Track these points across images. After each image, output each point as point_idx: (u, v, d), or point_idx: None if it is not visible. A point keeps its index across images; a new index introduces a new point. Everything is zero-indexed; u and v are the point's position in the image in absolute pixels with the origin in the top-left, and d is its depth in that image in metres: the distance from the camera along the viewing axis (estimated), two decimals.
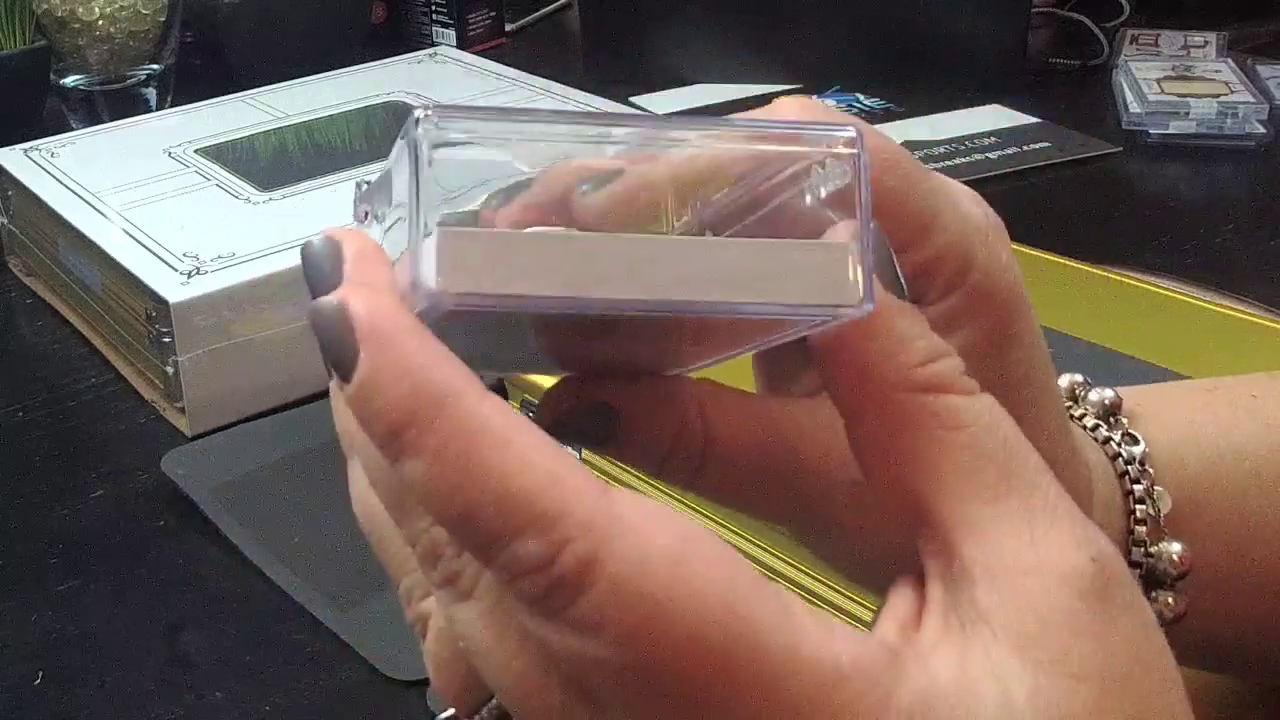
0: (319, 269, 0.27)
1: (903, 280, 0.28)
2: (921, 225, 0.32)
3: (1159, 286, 0.73)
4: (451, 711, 0.29)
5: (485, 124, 0.26)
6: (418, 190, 0.25)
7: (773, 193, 0.28)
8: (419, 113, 0.25)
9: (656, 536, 0.24)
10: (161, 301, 0.78)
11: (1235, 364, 0.62)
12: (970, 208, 0.33)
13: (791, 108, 0.31)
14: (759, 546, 0.58)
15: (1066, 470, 0.35)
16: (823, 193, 0.27)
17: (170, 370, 0.79)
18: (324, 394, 0.87)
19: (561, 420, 0.32)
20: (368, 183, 0.31)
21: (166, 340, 0.79)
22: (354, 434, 0.30)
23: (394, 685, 0.61)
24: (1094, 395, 0.39)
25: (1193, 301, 0.71)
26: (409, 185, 0.25)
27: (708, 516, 0.60)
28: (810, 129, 0.28)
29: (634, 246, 0.26)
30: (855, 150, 0.27)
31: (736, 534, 0.59)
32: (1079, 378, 0.39)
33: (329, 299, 0.25)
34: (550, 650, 0.25)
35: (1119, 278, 0.74)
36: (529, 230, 0.26)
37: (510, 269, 0.25)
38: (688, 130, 0.28)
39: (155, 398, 0.82)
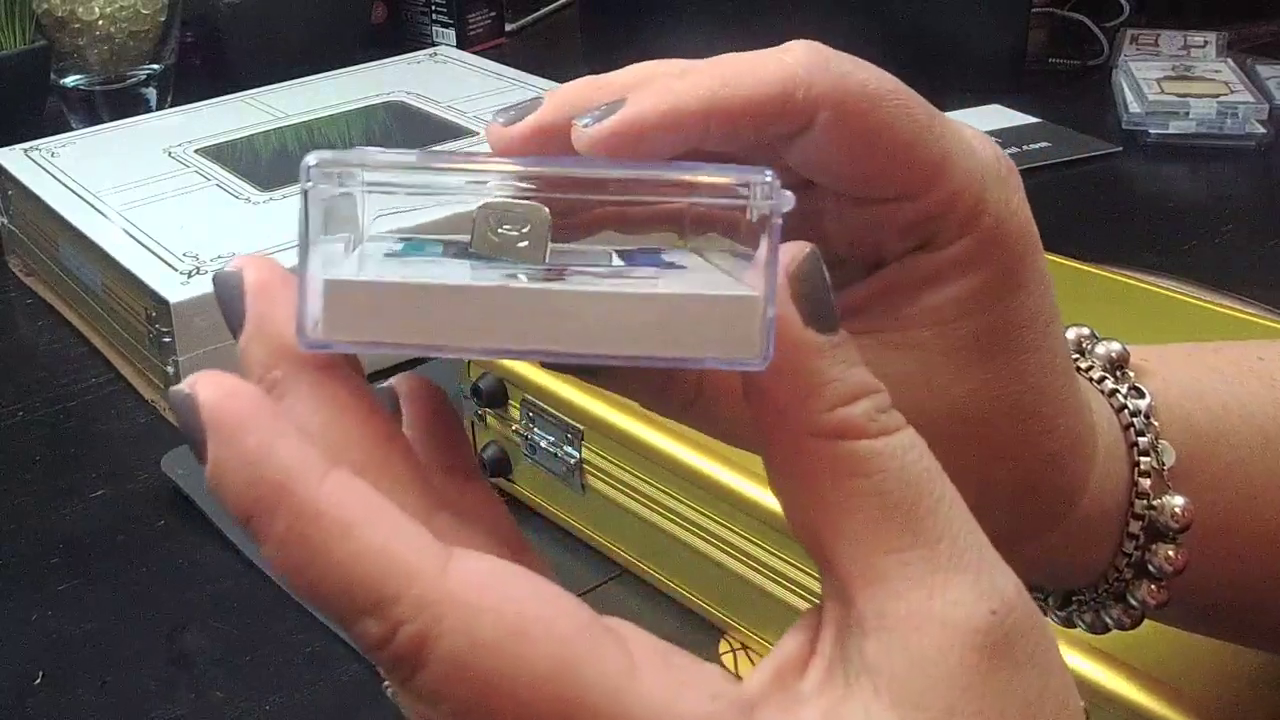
0: (225, 301, 0.29)
1: (835, 312, 0.27)
2: (933, 169, 0.31)
3: (1159, 286, 0.74)
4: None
5: (374, 173, 0.27)
6: (306, 233, 0.27)
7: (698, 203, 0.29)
8: (310, 160, 0.27)
9: (488, 609, 0.24)
10: (162, 301, 0.78)
11: None
12: (982, 151, 0.33)
13: (799, 50, 0.31)
14: (760, 546, 0.58)
15: (1072, 418, 0.35)
16: (755, 215, 0.27)
17: (170, 370, 0.79)
18: None
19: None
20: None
21: (166, 340, 0.79)
22: None
23: None
24: (1101, 349, 0.39)
25: (1193, 301, 0.71)
26: (298, 229, 0.27)
27: (708, 516, 0.60)
28: (736, 170, 0.27)
29: (515, 298, 0.26)
30: (770, 200, 0.27)
31: (738, 533, 0.59)
32: (1086, 330, 0.39)
33: (179, 388, 0.26)
34: (412, 714, 0.26)
35: (1119, 278, 0.74)
36: (402, 279, 0.26)
37: (385, 318, 0.26)
38: (611, 169, 0.28)
39: (155, 398, 0.82)
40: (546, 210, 0.28)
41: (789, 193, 0.27)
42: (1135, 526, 0.37)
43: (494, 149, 0.31)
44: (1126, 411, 0.37)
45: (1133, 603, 0.37)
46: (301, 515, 0.25)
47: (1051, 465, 0.35)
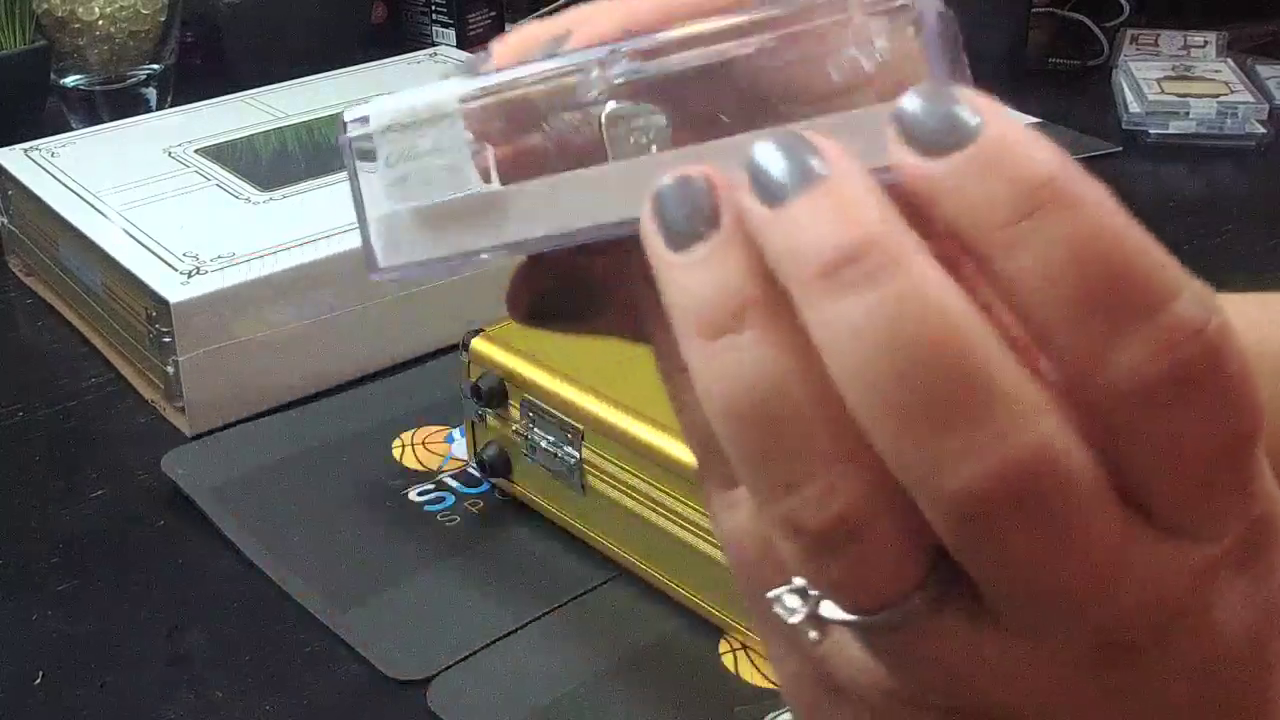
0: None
1: None
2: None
3: None
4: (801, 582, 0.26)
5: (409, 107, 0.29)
6: (360, 191, 0.30)
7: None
8: (346, 115, 0.29)
9: None
10: (162, 301, 0.78)
11: None
12: None
13: None
14: None
15: None
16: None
17: (170, 370, 0.79)
18: (323, 394, 0.87)
19: (541, 300, 0.32)
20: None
21: (166, 340, 0.79)
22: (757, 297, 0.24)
23: (394, 685, 0.61)
24: None
25: None
26: (351, 185, 0.30)
27: (708, 516, 0.60)
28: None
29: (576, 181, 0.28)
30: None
31: None
32: None
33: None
34: (1171, 428, 0.23)
35: None
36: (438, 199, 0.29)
37: (435, 235, 0.29)
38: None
39: (155, 398, 0.82)
40: (662, 116, 0.28)
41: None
42: None
43: None
44: None
45: None
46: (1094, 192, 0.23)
47: None
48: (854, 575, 0.24)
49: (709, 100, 0.28)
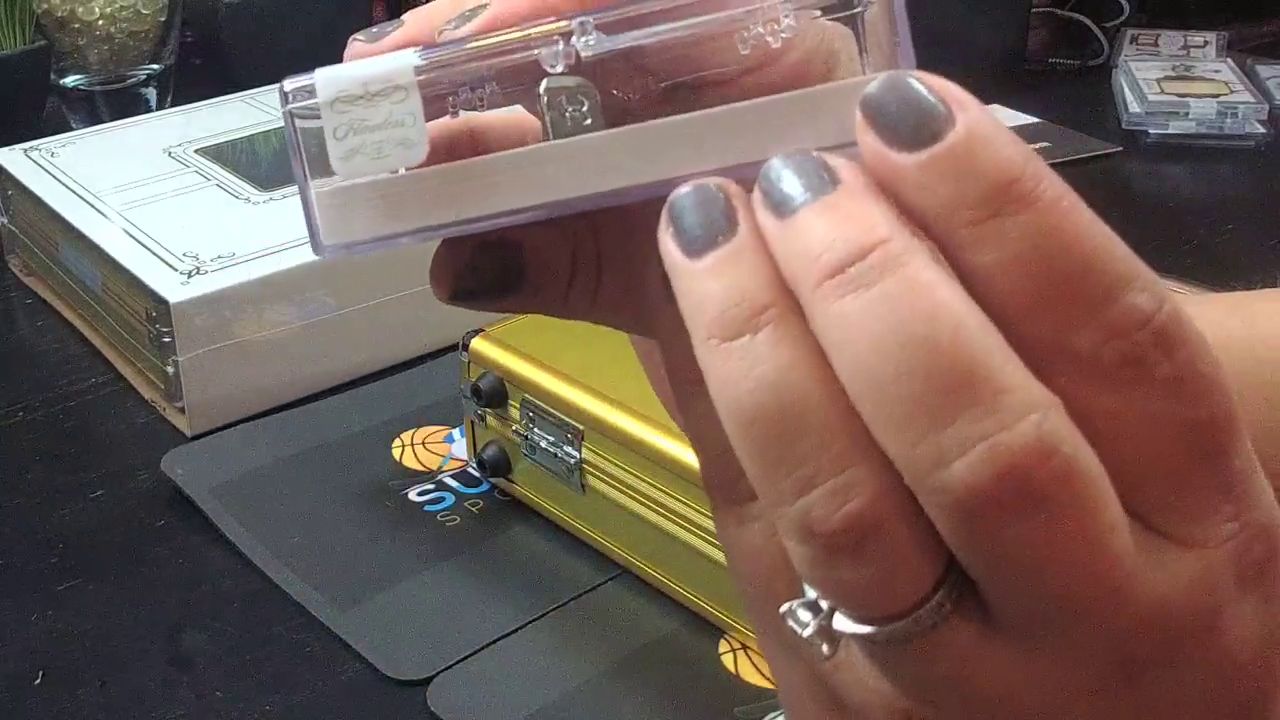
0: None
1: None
2: None
3: None
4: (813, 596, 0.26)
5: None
6: (304, 165, 0.29)
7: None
8: (287, 85, 0.28)
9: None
10: (161, 301, 0.78)
11: None
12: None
13: None
14: None
15: None
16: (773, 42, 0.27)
17: (170, 370, 0.79)
18: (323, 394, 0.87)
19: (465, 274, 0.32)
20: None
21: (166, 340, 0.79)
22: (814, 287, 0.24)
23: (394, 685, 0.61)
24: None
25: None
26: (292, 158, 0.29)
27: (708, 516, 0.60)
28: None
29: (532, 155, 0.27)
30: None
31: None
32: None
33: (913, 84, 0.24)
34: (1136, 413, 0.24)
35: None
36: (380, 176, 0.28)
37: (382, 213, 0.28)
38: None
39: (155, 398, 0.82)
40: (595, 91, 0.28)
41: None
42: None
43: None
44: None
45: None
46: (1062, 187, 0.23)
47: None
48: (867, 580, 0.24)
49: (626, 76, 0.29)
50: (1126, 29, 1.35)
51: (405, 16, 0.30)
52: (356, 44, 0.30)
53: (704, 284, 0.25)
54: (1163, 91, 1.18)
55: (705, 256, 0.25)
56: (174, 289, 0.79)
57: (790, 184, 0.24)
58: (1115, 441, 0.24)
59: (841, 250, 0.23)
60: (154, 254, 0.83)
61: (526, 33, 0.28)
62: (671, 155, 0.27)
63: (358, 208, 0.28)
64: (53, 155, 0.99)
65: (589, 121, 0.28)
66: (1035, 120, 1.18)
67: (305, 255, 0.83)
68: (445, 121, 0.29)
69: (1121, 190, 1.10)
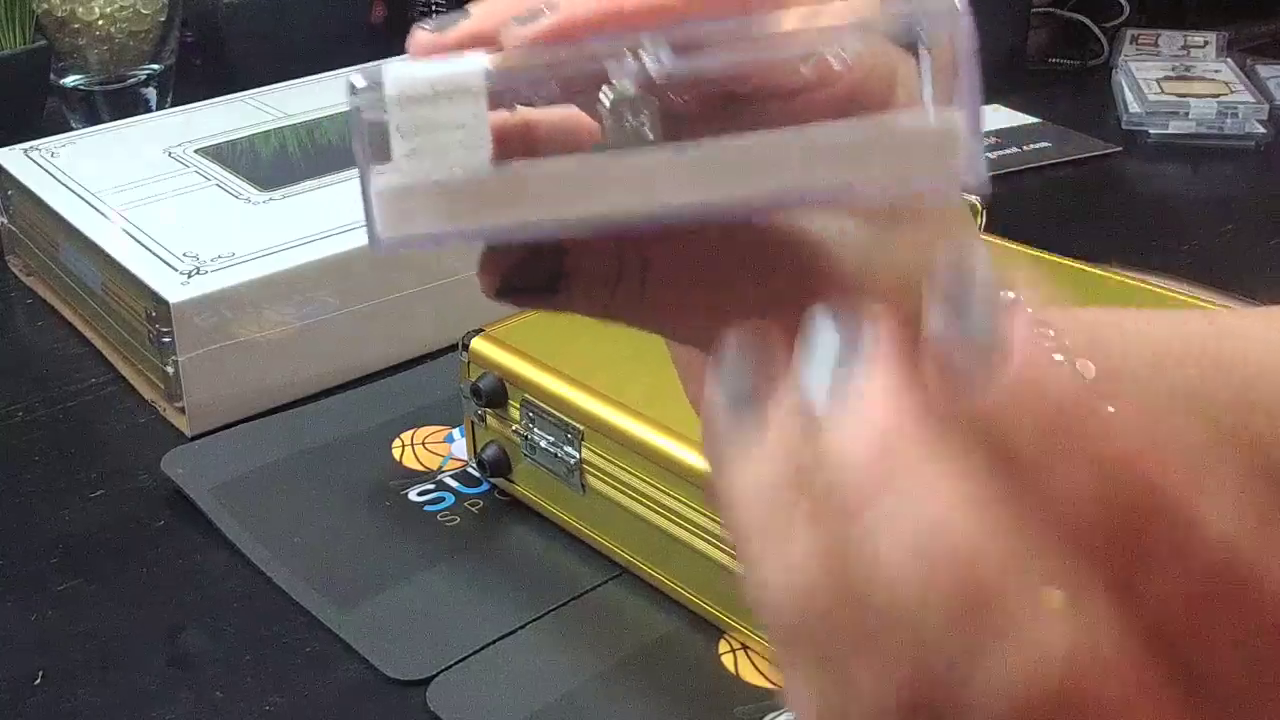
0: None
1: None
2: None
3: (1159, 286, 0.73)
4: None
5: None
6: (367, 159, 0.29)
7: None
8: (355, 79, 0.28)
9: None
10: (161, 301, 0.78)
11: None
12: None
13: None
14: None
15: None
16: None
17: (170, 370, 0.79)
18: (323, 394, 0.87)
19: (514, 272, 0.32)
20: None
21: (166, 340, 0.79)
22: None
23: (394, 685, 0.61)
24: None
25: (1193, 301, 0.71)
26: (356, 151, 0.29)
27: (708, 516, 0.60)
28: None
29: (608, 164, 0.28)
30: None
31: None
32: None
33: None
34: None
35: (1119, 278, 0.74)
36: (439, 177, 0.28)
37: (441, 211, 0.28)
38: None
39: (155, 398, 0.82)
40: (656, 102, 0.28)
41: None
42: None
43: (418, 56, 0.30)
44: None
45: None
46: None
47: None
48: None
49: (687, 84, 0.29)
50: (1126, 29, 1.35)
51: (470, 8, 0.30)
52: (421, 34, 0.30)
53: (743, 474, 0.25)
54: (1163, 91, 1.18)
55: (744, 441, 0.25)
56: (174, 289, 0.79)
57: (820, 384, 0.25)
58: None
59: (863, 468, 0.24)
60: (154, 254, 0.83)
61: (597, 50, 0.28)
62: (736, 178, 0.27)
63: (417, 205, 0.28)
64: (53, 155, 0.99)
65: (648, 129, 0.28)
66: (1035, 120, 1.18)
67: (305, 255, 0.83)
68: (502, 114, 0.29)
69: (1121, 190, 1.10)
